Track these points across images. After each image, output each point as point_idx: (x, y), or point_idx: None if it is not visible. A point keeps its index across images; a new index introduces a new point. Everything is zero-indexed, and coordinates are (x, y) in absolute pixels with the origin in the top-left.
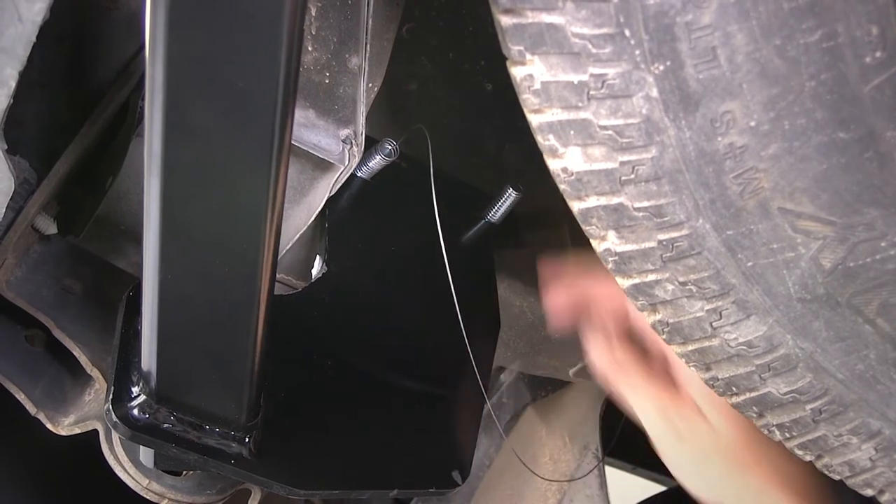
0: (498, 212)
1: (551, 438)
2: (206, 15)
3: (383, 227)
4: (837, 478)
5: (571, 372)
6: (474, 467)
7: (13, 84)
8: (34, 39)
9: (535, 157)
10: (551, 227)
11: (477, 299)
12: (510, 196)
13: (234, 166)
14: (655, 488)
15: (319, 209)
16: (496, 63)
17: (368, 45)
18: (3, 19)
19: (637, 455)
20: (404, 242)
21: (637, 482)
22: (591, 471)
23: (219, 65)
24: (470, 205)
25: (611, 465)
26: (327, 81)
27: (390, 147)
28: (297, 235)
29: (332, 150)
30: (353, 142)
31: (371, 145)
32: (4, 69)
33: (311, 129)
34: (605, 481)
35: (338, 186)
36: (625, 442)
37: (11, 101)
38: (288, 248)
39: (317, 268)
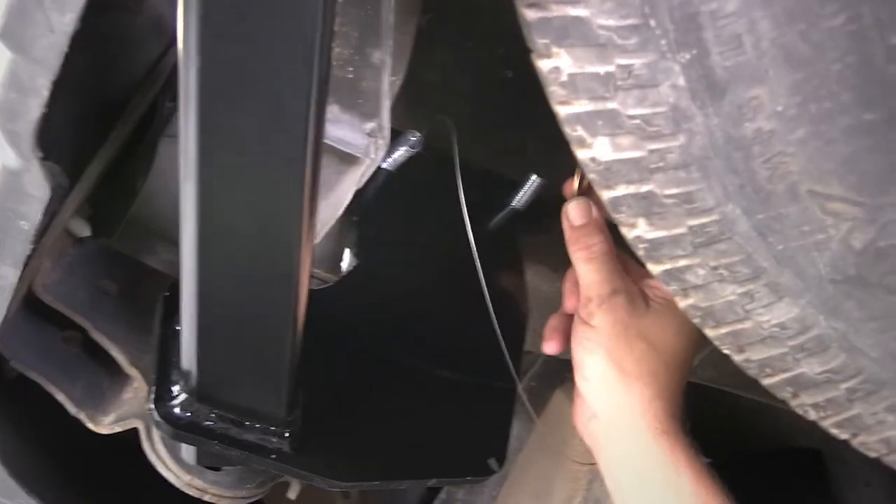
0: (523, 199)
1: None
2: (239, 17)
3: (410, 217)
4: (874, 455)
5: None
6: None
7: (46, 94)
8: (66, 49)
9: (558, 143)
10: None
11: (505, 286)
12: (534, 183)
13: (269, 166)
14: None
15: (347, 203)
16: (516, 51)
17: (390, 39)
18: (34, 31)
19: None
20: (431, 232)
21: None
22: None
23: (251, 67)
24: (494, 193)
25: None
26: (350, 76)
27: (414, 138)
28: (326, 229)
29: (357, 143)
30: (379, 135)
31: (395, 137)
32: (37, 79)
33: (335, 124)
34: None
35: (365, 179)
36: None
37: (45, 109)
38: (317, 242)
39: (347, 261)
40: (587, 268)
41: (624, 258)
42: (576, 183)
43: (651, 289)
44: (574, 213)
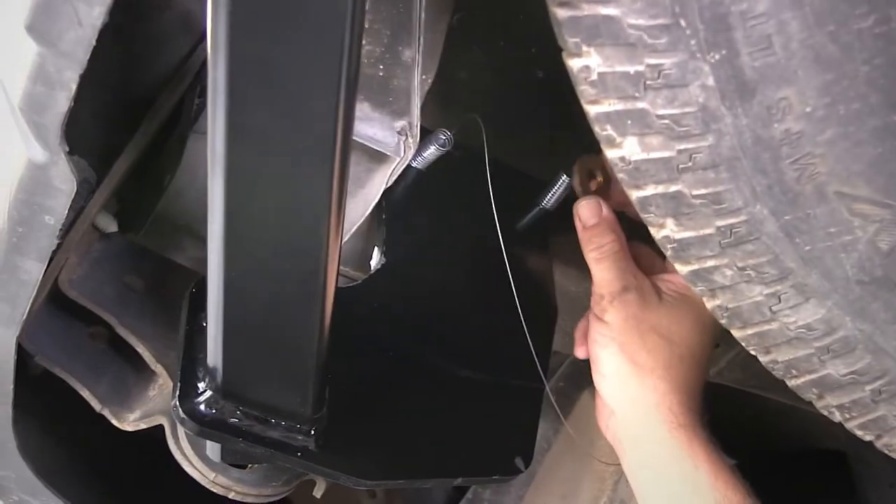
0: (552, 199)
1: None
2: (268, 15)
3: (439, 216)
4: None
5: None
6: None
7: (74, 87)
8: (94, 43)
9: (587, 143)
10: None
11: (534, 286)
12: (564, 183)
13: (297, 164)
14: None
15: (376, 201)
16: (547, 50)
17: (421, 37)
18: (63, 24)
19: None
20: (460, 231)
21: None
22: None
23: (281, 65)
24: (524, 193)
25: None
26: (381, 74)
27: (444, 137)
28: (355, 227)
29: (387, 142)
30: (409, 133)
31: (425, 136)
32: (65, 73)
33: (366, 122)
34: None
35: (394, 178)
36: None
37: (72, 103)
38: (345, 240)
39: (375, 259)
40: (599, 267)
41: (640, 249)
42: (576, 182)
43: (665, 283)
44: (585, 213)
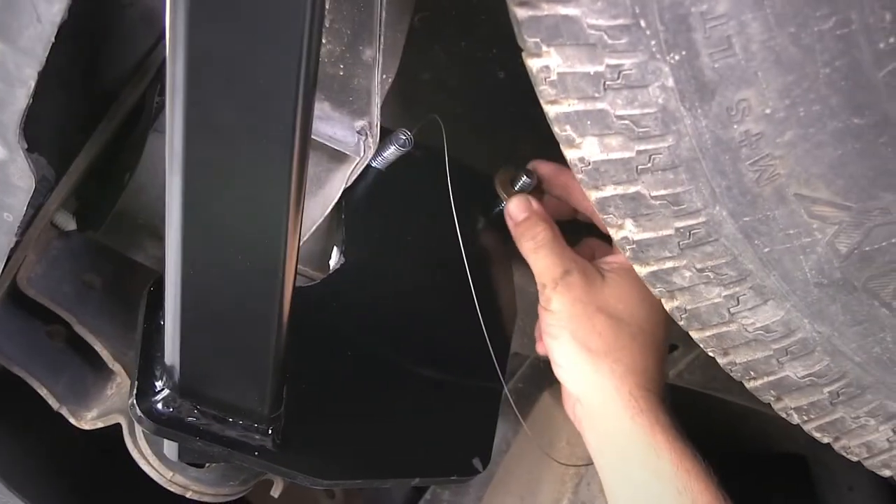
0: None
1: (568, 423)
2: (227, 13)
3: (399, 216)
4: (855, 459)
5: None
6: (492, 453)
7: (32, 84)
8: (53, 39)
9: (548, 144)
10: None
11: (493, 287)
12: (524, 184)
13: (256, 162)
14: None
15: (336, 200)
16: (509, 51)
17: (382, 37)
18: (22, 20)
19: None
20: (420, 231)
21: None
22: None
23: (239, 62)
24: (484, 193)
25: None
26: (342, 73)
27: (405, 137)
28: (314, 227)
29: (347, 141)
30: (369, 133)
31: (385, 136)
32: (24, 69)
33: (326, 121)
34: None
35: (354, 177)
36: None
37: (31, 100)
38: (305, 239)
39: (334, 259)
40: (536, 256)
41: (582, 242)
42: (500, 191)
43: (608, 263)
44: (514, 209)
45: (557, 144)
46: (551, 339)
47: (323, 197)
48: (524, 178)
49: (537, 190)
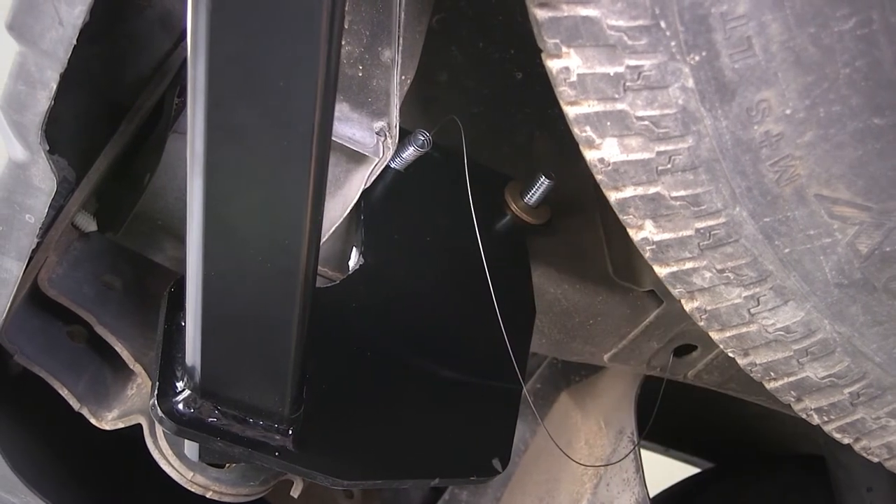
0: (531, 200)
1: (586, 423)
2: (247, 15)
3: (418, 217)
4: (876, 460)
5: (606, 357)
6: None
7: (54, 86)
8: (75, 42)
9: (566, 144)
10: (584, 214)
11: (512, 287)
12: (543, 184)
13: (276, 163)
14: (687, 469)
15: (355, 201)
16: (526, 52)
17: (401, 38)
18: (44, 23)
19: (670, 437)
20: (439, 232)
21: (668, 463)
22: (626, 455)
23: (260, 64)
24: (502, 193)
25: (643, 447)
26: (360, 75)
27: (423, 138)
28: (333, 228)
29: (366, 142)
30: (387, 134)
31: (404, 137)
32: (46, 71)
33: (345, 123)
34: (642, 465)
35: (373, 178)
36: (657, 424)
37: (52, 102)
38: (324, 240)
39: (354, 259)
40: None
41: None
42: (508, 198)
43: None
44: None
45: (576, 145)
46: None
47: (342, 198)
48: (533, 189)
49: (546, 201)
